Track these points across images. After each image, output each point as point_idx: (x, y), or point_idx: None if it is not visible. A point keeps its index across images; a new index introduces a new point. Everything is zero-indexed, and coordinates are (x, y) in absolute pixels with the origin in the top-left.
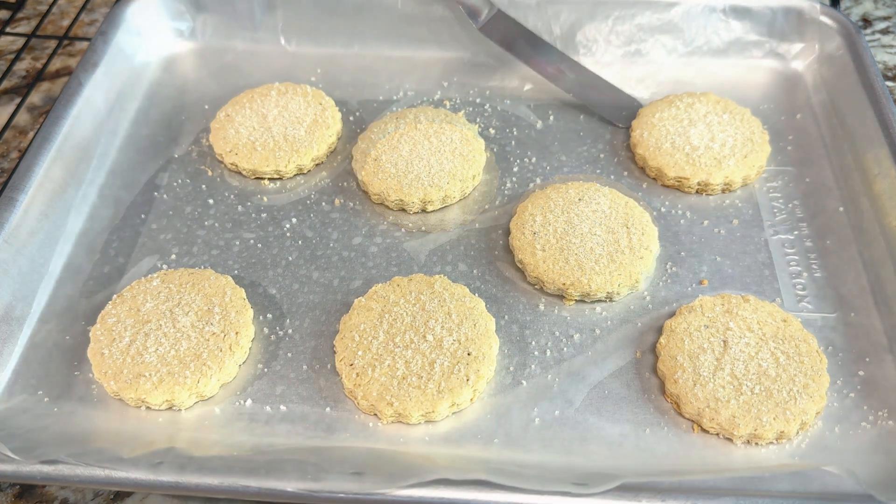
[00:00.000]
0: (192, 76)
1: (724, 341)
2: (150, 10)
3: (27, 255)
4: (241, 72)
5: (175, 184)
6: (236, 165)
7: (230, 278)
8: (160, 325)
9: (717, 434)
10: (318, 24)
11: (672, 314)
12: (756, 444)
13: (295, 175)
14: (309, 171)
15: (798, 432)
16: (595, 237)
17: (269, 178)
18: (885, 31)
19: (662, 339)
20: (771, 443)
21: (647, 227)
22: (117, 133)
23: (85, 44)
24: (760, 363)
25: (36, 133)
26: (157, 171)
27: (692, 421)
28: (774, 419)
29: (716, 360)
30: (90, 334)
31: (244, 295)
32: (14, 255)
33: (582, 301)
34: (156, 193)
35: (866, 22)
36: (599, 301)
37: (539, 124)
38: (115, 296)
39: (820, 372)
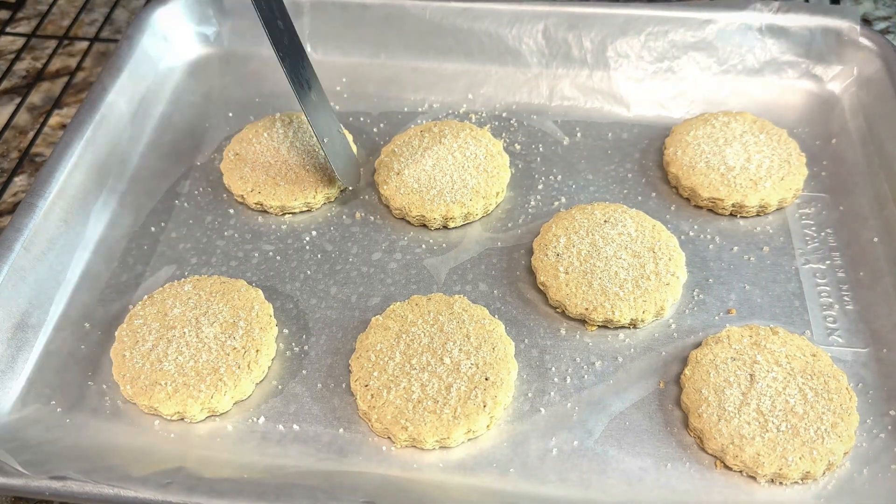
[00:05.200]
0: (216, 82)
1: (751, 375)
2: (176, 15)
3: (46, 261)
4: (266, 79)
5: (196, 192)
6: (261, 204)
7: (260, 292)
8: (184, 332)
9: (741, 472)
10: (344, 32)
11: (698, 344)
12: (780, 483)
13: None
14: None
15: (825, 473)
16: (620, 261)
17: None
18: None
19: (687, 371)
20: (796, 483)
21: (674, 253)
22: (140, 139)
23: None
24: (788, 399)
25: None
26: (179, 178)
27: (715, 457)
28: (801, 459)
29: (742, 394)
30: (116, 333)
31: (271, 311)
32: (32, 262)
33: (605, 327)
34: (177, 201)
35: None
36: (623, 328)
37: (566, 141)
38: (145, 296)
39: (849, 410)
